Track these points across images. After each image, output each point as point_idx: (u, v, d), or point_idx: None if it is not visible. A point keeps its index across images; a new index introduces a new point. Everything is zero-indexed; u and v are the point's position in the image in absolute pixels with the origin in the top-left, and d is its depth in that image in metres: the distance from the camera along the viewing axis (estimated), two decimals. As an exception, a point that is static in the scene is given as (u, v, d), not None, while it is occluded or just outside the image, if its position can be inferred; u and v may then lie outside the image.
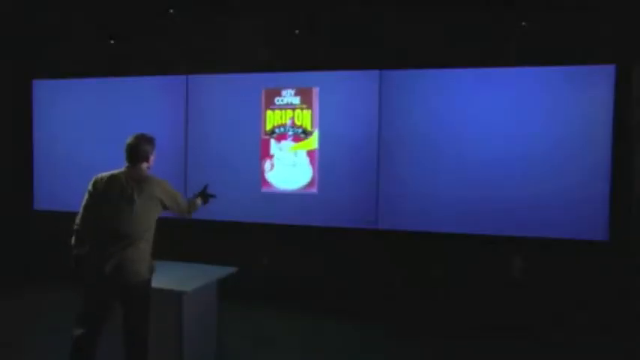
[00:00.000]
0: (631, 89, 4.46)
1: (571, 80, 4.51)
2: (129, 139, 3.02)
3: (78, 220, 2.94)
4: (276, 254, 5.27)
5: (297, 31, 4.98)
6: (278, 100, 5.13)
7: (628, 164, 4.49)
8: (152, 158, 3.08)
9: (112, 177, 2.95)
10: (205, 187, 3.51)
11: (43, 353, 3.84)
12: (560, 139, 4.53)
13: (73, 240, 2.94)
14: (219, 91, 5.31)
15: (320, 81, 5.04)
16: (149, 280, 2.99)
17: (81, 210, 2.95)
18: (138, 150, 2.99)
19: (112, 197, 2.89)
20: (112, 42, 5.47)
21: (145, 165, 3.03)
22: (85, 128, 5.67)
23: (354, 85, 4.97)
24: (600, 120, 4.46)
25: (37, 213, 5.92)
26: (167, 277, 3.41)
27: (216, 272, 3.64)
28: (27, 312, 4.79)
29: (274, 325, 4.61)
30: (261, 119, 5.17)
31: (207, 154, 5.35)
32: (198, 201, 3.41)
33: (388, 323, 4.65)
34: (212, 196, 3.50)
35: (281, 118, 5.12)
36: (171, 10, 5.06)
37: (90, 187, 2.96)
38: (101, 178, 2.96)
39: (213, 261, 3.92)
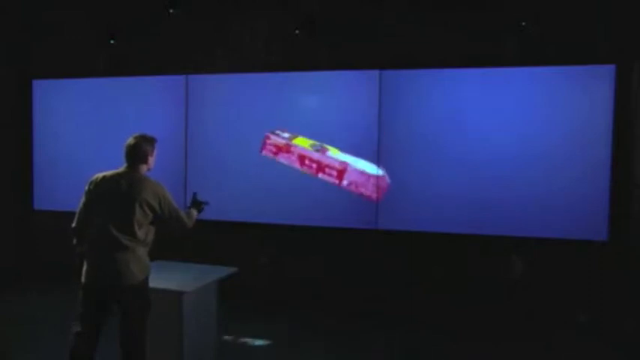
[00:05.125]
0: (631, 89, 4.46)
1: (571, 80, 4.51)
2: (128, 139, 2.99)
3: (75, 219, 2.95)
4: (276, 254, 5.26)
5: (297, 31, 4.98)
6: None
7: (628, 164, 4.48)
8: (152, 160, 3.02)
9: (108, 177, 2.93)
10: (194, 196, 3.38)
11: (43, 353, 3.84)
12: (560, 139, 4.52)
13: (74, 240, 2.95)
14: (219, 91, 5.30)
15: (320, 81, 5.04)
16: (144, 282, 2.92)
17: (78, 210, 2.95)
18: (136, 150, 2.95)
19: (106, 198, 2.87)
20: (112, 42, 5.46)
21: (143, 167, 2.98)
22: (85, 128, 5.67)
23: (354, 85, 4.97)
24: (600, 120, 4.45)
25: (37, 213, 5.92)
26: (167, 277, 3.42)
27: (216, 272, 3.64)
28: (26, 312, 4.78)
29: (274, 325, 4.61)
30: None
31: (207, 154, 5.33)
32: (194, 212, 3.28)
33: (388, 323, 4.65)
34: (205, 203, 3.36)
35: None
36: (171, 10, 5.06)
37: (86, 186, 2.96)
38: (97, 178, 2.95)
39: (213, 261, 3.92)
